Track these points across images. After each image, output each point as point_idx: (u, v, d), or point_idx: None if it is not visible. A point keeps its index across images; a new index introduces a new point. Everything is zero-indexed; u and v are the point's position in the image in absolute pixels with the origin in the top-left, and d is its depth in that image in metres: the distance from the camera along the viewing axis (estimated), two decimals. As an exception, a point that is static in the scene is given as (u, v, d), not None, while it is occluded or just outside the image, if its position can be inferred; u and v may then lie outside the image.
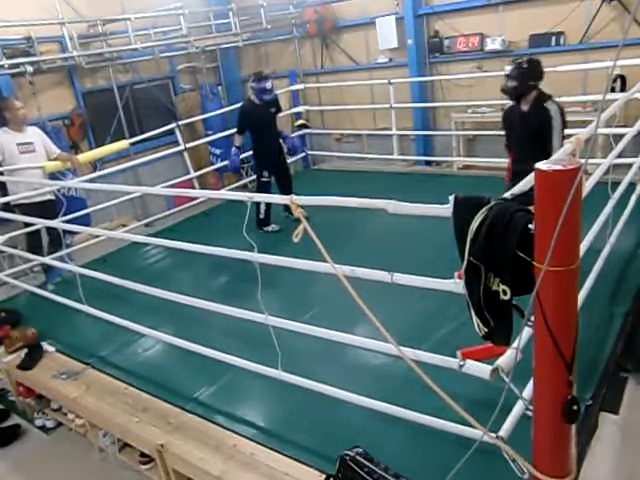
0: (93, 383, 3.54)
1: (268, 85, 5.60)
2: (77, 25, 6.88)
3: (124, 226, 7.11)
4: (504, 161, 6.38)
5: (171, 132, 6.74)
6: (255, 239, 2.66)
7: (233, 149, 5.85)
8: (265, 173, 5.91)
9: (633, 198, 4.29)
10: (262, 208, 5.63)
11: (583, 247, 2.83)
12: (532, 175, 1.60)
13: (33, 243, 5.20)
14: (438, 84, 7.58)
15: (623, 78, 5.81)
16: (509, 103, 4.17)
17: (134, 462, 3.25)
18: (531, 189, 1.63)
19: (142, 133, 6.82)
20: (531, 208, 1.63)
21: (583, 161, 1.51)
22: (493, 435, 1.96)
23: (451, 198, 1.91)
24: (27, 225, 5.01)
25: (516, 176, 3.28)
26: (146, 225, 6.58)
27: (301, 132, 8.06)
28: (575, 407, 1.69)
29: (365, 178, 7.26)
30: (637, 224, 4.24)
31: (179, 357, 3.56)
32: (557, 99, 3.95)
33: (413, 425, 2.53)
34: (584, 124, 4.10)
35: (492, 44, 6.88)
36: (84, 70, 7.14)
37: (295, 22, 8.41)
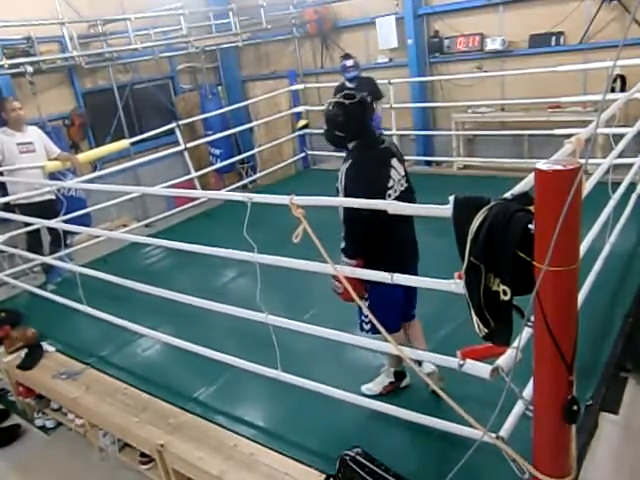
0: (93, 383, 3.54)
1: (348, 63, 5.70)
2: (77, 25, 6.88)
3: (124, 226, 7.11)
4: (504, 161, 6.46)
5: (171, 132, 6.73)
6: (255, 239, 2.66)
7: None
8: None
9: (633, 198, 4.30)
10: None
11: (583, 247, 2.83)
12: (532, 175, 1.61)
13: (33, 243, 5.20)
14: (438, 84, 7.58)
15: (623, 78, 5.81)
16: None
17: (134, 462, 3.25)
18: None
19: (142, 133, 6.81)
20: (531, 208, 1.63)
21: (583, 161, 1.51)
22: (493, 435, 1.96)
23: (451, 198, 1.91)
24: (27, 225, 5.01)
25: None
26: (146, 225, 6.57)
27: (302, 132, 8.06)
28: (575, 407, 1.69)
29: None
30: (637, 224, 4.24)
31: (179, 357, 3.56)
32: (366, 163, 2.69)
33: (413, 425, 2.53)
34: (584, 124, 4.09)
35: (492, 44, 6.88)
36: (84, 70, 7.14)
37: (295, 22, 8.40)
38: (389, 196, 2.65)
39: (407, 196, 2.73)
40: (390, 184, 2.68)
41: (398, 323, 2.90)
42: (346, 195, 2.63)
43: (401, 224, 2.66)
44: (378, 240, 2.66)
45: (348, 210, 2.58)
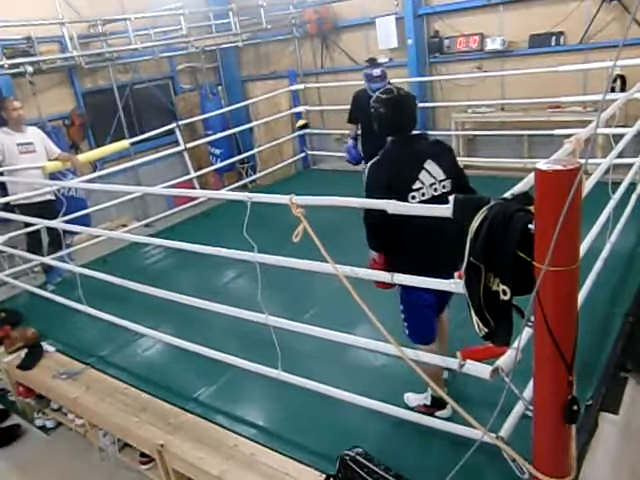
0: (93, 383, 3.54)
1: (375, 72, 4.94)
2: (77, 25, 6.88)
3: (124, 226, 7.11)
4: (504, 161, 6.47)
5: (171, 132, 6.73)
6: (255, 239, 2.66)
7: (349, 140, 5.46)
8: None
9: (633, 198, 4.30)
10: None
11: (583, 247, 2.83)
12: (532, 175, 1.61)
13: (33, 243, 5.20)
14: (438, 84, 7.57)
15: (623, 78, 5.81)
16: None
17: (134, 462, 3.25)
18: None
19: (142, 133, 6.81)
20: (531, 208, 1.63)
21: (583, 161, 1.51)
22: (493, 435, 1.96)
23: (451, 198, 1.92)
24: (27, 225, 5.01)
25: None
26: (146, 225, 6.58)
27: (302, 132, 8.06)
28: (575, 407, 1.69)
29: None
30: (637, 224, 4.24)
31: (179, 357, 3.56)
32: (389, 160, 2.65)
33: (413, 425, 2.53)
34: (584, 124, 4.08)
35: (492, 44, 6.88)
36: (84, 70, 7.13)
37: (295, 22, 8.40)
38: (413, 198, 2.51)
39: (443, 202, 2.32)
40: (416, 186, 2.52)
41: (432, 332, 2.73)
42: (366, 190, 2.61)
43: (426, 228, 2.41)
44: (396, 241, 2.58)
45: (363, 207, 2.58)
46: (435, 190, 2.56)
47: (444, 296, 2.62)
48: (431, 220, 2.10)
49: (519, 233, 1.62)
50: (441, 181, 2.57)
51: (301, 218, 2.28)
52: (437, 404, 2.81)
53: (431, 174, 2.56)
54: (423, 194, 2.53)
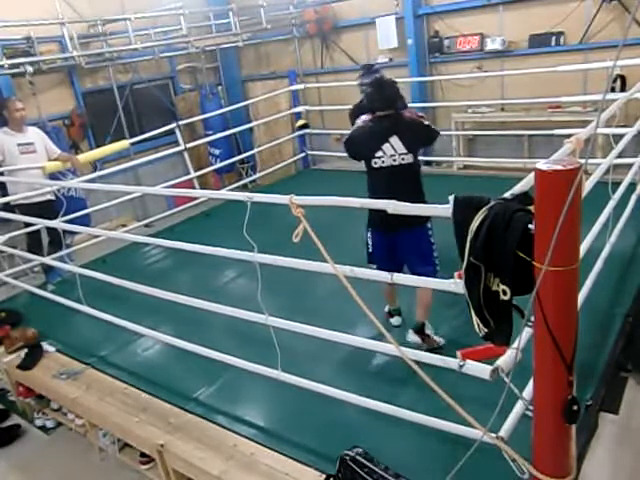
0: (93, 383, 3.54)
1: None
2: (77, 25, 6.89)
3: (124, 226, 7.11)
4: (504, 161, 6.46)
5: (171, 132, 6.73)
6: (255, 239, 2.66)
7: None
8: None
9: (633, 198, 4.29)
10: None
11: (583, 247, 2.83)
12: (532, 175, 1.61)
13: (33, 243, 5.20)
14: (438, 84, 7.58)
15: (623, 78, 5.82)
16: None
17: (134, 462, 3.25)
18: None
19: (142, 133, 6.81)
20: (531, 208, 1.63)
21: (583, 161, 1.51)
22: (493, 435, 1.96)
23: (451, 198, 1.92)
24: (27, 225, 5.01)
25: None
26: (146, 225, 6.57)
27: (302, 132, 8.06)
28: (575, 407, 1.69)
29: (365, 178, 7.23)
30: (637, 224, 4.24)
31: (179, 357, 3.55)
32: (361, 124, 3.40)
33: (413, 425, 2.53)
34: (584, 124, 4.08)
35: (492, 44, 6.88)
36: (84, 70, 7.15)
37: (295, 22, 8.40)
38: (375, 163, 3.24)
39: (399, 171, 3.22)
40: (378, 154, 3.22)
41: (376, 262, 3.41)
42: (344, 142, 3.45)
43: (384, 192, 2.86)
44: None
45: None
46: (394, 160, 3.21)
47: (396, 258, 3.31)
48: (386, 186, 2.78)
49: (519, 233, 1.62)
50: (401, 154, 3.20)
51: (301, 218, 2.28)
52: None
53: (393, 147, 3.19)
54: (383, 161, 3.22)
